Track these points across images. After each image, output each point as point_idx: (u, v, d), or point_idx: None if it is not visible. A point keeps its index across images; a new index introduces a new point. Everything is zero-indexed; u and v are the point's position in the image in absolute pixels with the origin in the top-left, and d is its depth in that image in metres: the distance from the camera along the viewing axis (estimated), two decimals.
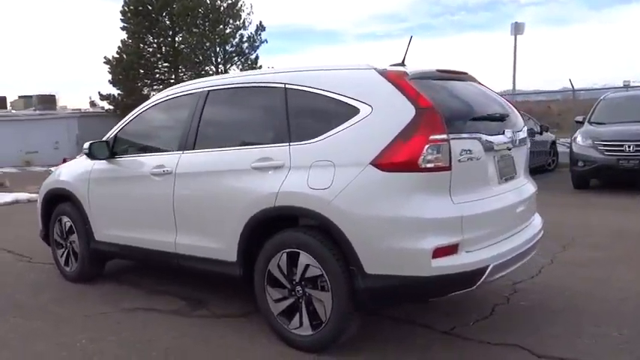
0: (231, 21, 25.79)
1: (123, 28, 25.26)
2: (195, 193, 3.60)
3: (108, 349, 3.24)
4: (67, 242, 4.68)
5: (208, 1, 25.17)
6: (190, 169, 3.64)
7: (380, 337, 3.29)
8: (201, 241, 3.55)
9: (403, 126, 2.81)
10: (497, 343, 3.14)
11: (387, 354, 3.07)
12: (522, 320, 3.50)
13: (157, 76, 26.31)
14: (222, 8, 25.48)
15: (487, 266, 2.83)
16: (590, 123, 9.79)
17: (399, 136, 2.80)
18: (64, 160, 5.52)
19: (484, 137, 3.05)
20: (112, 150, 4.27)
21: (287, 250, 3.09)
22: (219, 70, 25.42)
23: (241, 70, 24.70)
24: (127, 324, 3.62)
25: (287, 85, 3.31)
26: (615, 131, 9.01)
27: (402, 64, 3.31)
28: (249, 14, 26.00)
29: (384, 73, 3.03)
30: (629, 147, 8.62)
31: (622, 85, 16.26)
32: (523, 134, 3.57)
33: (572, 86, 14.37)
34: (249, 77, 3.69)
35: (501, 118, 3.37)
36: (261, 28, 25.94)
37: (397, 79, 2.97)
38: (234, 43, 25.95)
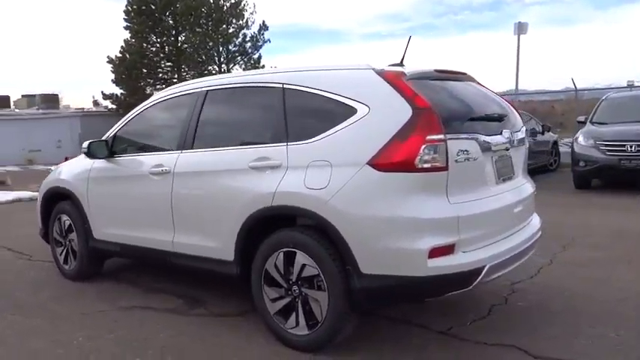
0: (234, 20, 25.87)
1: (126, 28, 25.39)
2: (194, 192, 3.60)
3: (104, 347, 3.25)
4: (66, 240, 4.69)
5: (211, 1, 25.24)
6: (188, 169, 3.64)
7: (376, 337, 3.29)
8: (198, 240, 3.55)
9: (400, 126, 2.80)
10: (494, 343, 3.13)
11: (383, 354, 3.07)
12: (520, 321, 3.49)
13: (160, 75, 26.39)
14: (225, 8, 25.57)
15: (483, 266, 2.83)
16: (592, 123, 9.76)
17: (396, 136, 2.79)
18: (66, 159, 5.53)
19: (481, 137, 3.04)
20: (111, 149, 4.28)
21: (284, 250, 3.09)
22: (222, 69, 25.47)
23: (244, 69, 24.74)
24: (124, 322, 3.63)
25: (285, 85, 3.31)
26: (617, 131, 8.98)
27: (401, 64, 3.30)
28: (252, 14, 26.14)
29: (381, 74, 3.02)
30: (630, 147, 8.58)
31: (626, 85, 16.20)
32: (521, 134, 3.56)
33: (575, 86, 14.35)
34: (248, 77, 3.69)
35: (499, 118, 3.36)
36: (264, 27, 26.02)
37: (394, 80, 2.96)
38: (237, 42, 26.05)
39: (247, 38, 26.05)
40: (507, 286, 4.03)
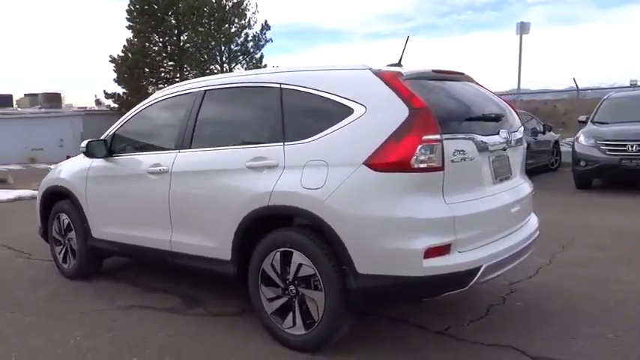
0: (236, 20, 25.84)
1: (128, 27, 25.38)
2: (191, 191, 3.61)
3: (102, 346, 3.25)
4: (65, 239, 4.70)
5: (214, 0, 25.21)
6: (186, 168, 3.65)
7: (373, 337, 3.28)
8: (196, 240, 3.55)
9: (396, 126, 2.80)
10: (491, 343, 3.13)
11: (380, 354, 3.06)
12: (517, 321, 3.48)
13: (162, 75, 26.38)
14: (227, 7, 25.54)
15: (480, 266, 2.82)
16: (593, 123, 9.74)
17: (392, 136, 2.79)
18: (68, 158, 5.55)
19: (478, 137, 3.03)
20: (110, 148, 4.29)
21: (280, 249, 3.09)
22: (225, 69, 25.47)
23: (246, 69, 24.74)
24: (122, 321, 3.64)
25: (282, 85, 3.31)
26: (618, 131, 8.96)
27: (399, 64, 3.30)
28: (254, 13, 26.09)
29: (378, 74, 3.02)
30: (631, 147, 8.56)
31: (629, 85, 16.15)
32: (519, 134, 3.55)
33: (577, 86, 14.33)
34: (246, 77, 3.69)
35: (497, 118, 3.35)
36: (266, 27, 25.98)
37: (391, 80, 2.96)
38: (239, 42, 26.02)
39: (249, 38, 26.03)
40: (506, 286, 4.02)
